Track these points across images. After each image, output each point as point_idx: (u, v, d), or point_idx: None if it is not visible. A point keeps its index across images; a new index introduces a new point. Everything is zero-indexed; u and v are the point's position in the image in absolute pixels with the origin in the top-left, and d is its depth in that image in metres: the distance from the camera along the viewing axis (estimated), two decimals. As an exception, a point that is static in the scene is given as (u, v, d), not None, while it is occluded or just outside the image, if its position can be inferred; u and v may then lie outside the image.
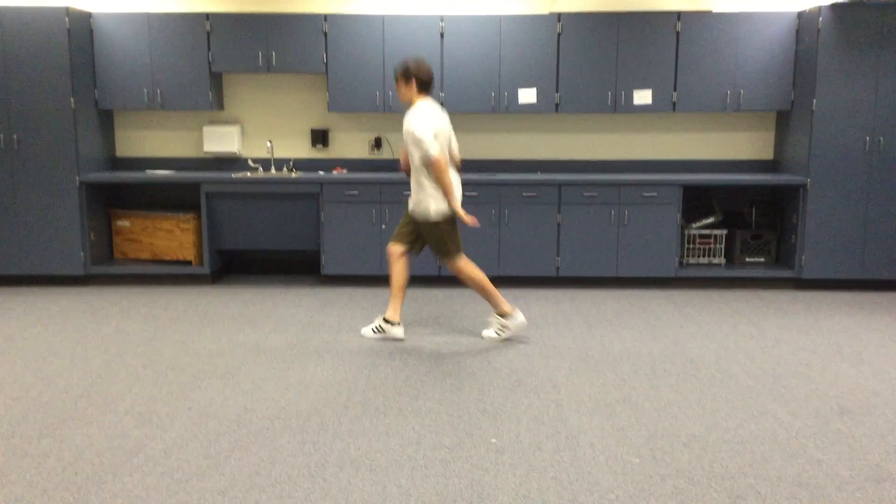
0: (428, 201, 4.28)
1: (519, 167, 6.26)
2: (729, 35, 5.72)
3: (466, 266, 4.45)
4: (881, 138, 5.54)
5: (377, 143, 6.23)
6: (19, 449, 3.03)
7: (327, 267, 5.80)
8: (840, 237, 5.66)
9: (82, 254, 5.74)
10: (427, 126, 4.20)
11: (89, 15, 5.76)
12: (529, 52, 5.77)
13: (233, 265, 6.37)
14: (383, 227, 5.70)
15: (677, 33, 5.74)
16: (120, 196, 6.26)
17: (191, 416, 3.35)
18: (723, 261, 5.95)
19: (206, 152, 6.20)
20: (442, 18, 5.75)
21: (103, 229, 6.03)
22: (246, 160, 6.28)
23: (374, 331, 4.53)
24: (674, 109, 5.83)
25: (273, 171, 6.13)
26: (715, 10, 5.88)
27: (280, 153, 6.30)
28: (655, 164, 6.26)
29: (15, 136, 5.59)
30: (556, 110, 5.85)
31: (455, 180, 4.36)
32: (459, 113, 5.82)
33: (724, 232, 5.92)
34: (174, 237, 5.89)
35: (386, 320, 4.50)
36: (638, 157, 6.27)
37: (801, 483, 2.77)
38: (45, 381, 3.80)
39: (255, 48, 5.76)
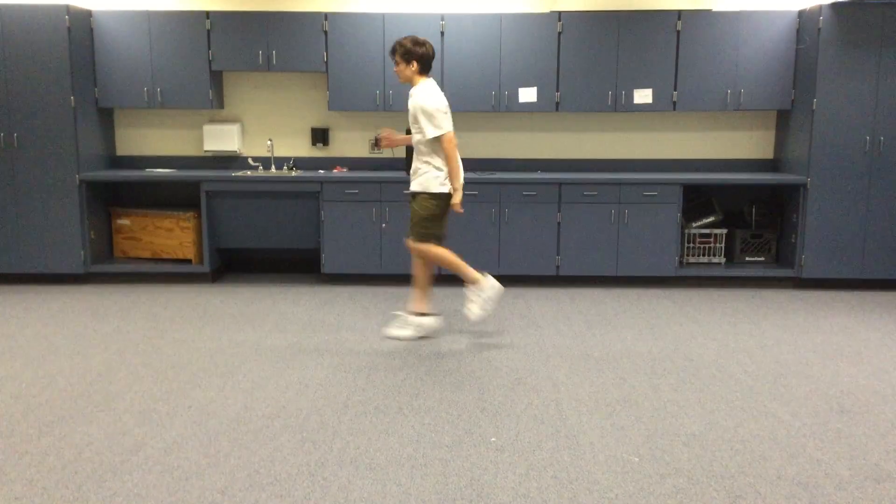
0: (430, 178, 4.27)
1: (519, 166, 6.26)
2: (729, 34, 5.72)
3: (431, 249, 4.36)
4: (882, 138, 5.54)
5: (377, 142, 6.21)
6: (19, 447, 3.03)
7: (327, 266, 5.80)
8: (840, 236, 5.66)
9: (82, 252, 5.74)
10: (440, 102, 4.23)
11: (89, 13, 5.76)
12: (530, 51, 5.77)
13: (233, 264, 6.37)
14: (383, 225, 5.70)
15: (678, 32, 5.74)
16: (120, 194, 6.26)
17: (191, 415, 3.35)
18: (723, 260, 5.95)
19: (206, 151, 6.20)
20: (442, 17, 5.74)
21: (103, 228, 6.03)
22: (246, 159, 6.28)
23: (406, 330, 4.52)
24: (674, 108, 5.83)
25: (273, 169, 6.13)
26: (715, 9, 5.88)
27: (280, 152, 6.29)
28: (656, 163, 6.26)
29: (15, 135, 5.59)
30: (557, 109, 5.85)
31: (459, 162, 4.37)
32: (460, 112, 5.80)
33: (725, 231, 5.92)
34: (174, 236, 5.89)
35: (414, 314, 4.48)
36: (638, 156, 6.27)
37: (801, 482, 2.77)
38: (45, 379, 3.80)
39: (256, 47, 5.76)
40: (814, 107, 5.55)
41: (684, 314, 5.07)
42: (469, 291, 4.42)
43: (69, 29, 5.50)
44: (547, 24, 5.75)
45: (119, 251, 6.11)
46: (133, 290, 5.66)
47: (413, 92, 4.31)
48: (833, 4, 5.42)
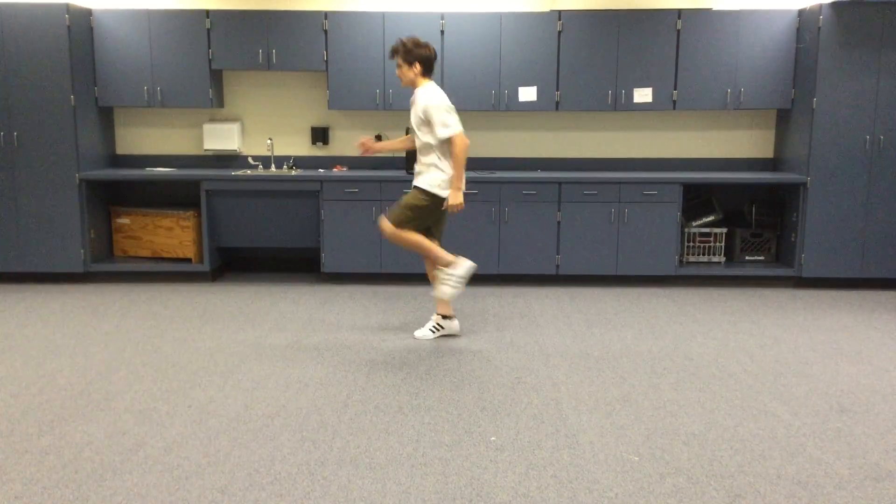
0: (434, 177, 4.25)
1: (519, 165, 6.26)
2: (729, 33, 5.71)
3: (404, 234, 4.31)
4: (882, 137, 5.54)
5: (377, 141, 6.21)
6: (19, 446, 3.03)
7: (327, 265, 5.80)
8: (840, 236, 5.66)
9: (82, 251, 5.74)
10: (448, 104, 4.21)
11: (89, 12, 5.75)
12: (530, 50, 5.77)
13: (233, 263, 6.37)
14: (383, 224, 5.70)
15: (678, 31, 5.73)
16: (120, 193, 6.26)
17: (190, 414, 3.35)
18: (723, 259, 5.95)
19: (206, 150, 6.20)
20: (442, 16, 5.74)
21: (103, 227, 6.03)
22: (246, 158, 6.28)
23: (432, 331, 4.52)
24: (674, 107, 5.83)
25: (273, 168, 6.12)
26: (715, 7, 5.87)
27: (280, 151, 6.29)
28: (655, 162, 6.25)
29: (15, 134, 5.59)
30: (557, 108, 5.85)
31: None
32: (460, 111, 5.75)
33: (724, 230, 5.92)
34: (174, 235, 5.89)
35: (441, 315, 4.49)
36: (638, 155, 6.27)
37: (801, 481, 2.77)
38: (45, 378, 3.80)
39: (256, 45, 5.76)
40: (814, 106, 5.55)
41: (684, 313, 5.07)
42: (441, 273, 4.34)
43: (69, 28, 5.50)
44: (547, 23, 5.75)
45: (119, 250, 6.11)
46: (133, 290, 5.66)
47: (418, 94, 4.26)
48: (833, 4, 5.41)
